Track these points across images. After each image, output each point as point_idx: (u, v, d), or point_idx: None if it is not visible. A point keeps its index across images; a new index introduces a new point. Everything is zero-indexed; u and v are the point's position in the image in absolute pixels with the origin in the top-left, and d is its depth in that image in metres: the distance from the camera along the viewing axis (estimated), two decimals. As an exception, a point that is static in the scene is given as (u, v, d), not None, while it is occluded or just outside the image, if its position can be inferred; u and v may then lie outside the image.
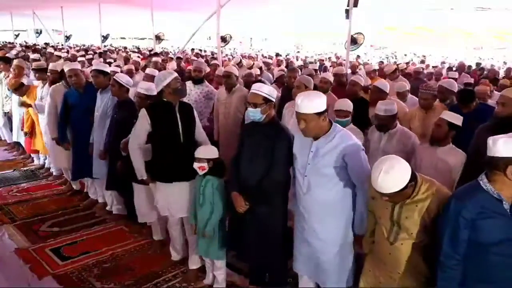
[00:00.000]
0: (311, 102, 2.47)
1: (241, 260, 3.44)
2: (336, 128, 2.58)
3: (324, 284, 2.79)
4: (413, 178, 2.10)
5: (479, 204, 1.92)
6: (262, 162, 2.87)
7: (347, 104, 3.56)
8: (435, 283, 2.16)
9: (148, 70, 6.22)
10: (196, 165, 3.13)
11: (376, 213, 2.38)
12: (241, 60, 11.01)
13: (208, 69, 6.79)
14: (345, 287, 2.75)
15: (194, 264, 3.56)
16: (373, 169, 2.10)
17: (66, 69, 4.71)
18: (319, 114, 2.47)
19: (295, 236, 2.88)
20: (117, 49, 18.53)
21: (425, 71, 8.99)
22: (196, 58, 11.02)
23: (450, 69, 11.03)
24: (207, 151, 3.17)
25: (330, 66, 12.03)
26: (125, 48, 21.18)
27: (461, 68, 9.38)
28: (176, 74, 3.35)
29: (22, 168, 6.32)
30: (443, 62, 17.21)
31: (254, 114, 2.85)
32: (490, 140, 1.91)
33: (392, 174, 2.01)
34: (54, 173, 5.92)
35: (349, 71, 7.94)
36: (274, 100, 2.91)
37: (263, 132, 2.89)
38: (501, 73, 10.55)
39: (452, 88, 4.43)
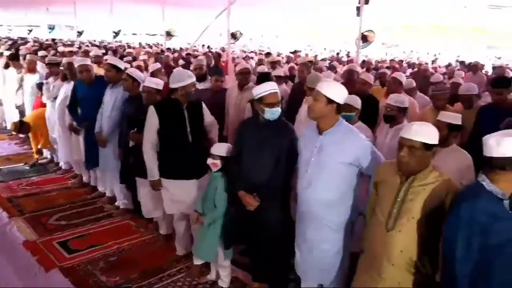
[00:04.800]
0: (330, 86, 2.54)
1: (246, 255, 3.44)
2: (342, 124, 2.58)
3: (321, 282, 2.78)
4: (435, 148, 2.17)
5: (488, 206, 1.88)
6: (269, 159, 2.87)
7: (354, 100, 3.52)
8: (430, 280, 2.16)
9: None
10: (209, 161, 3.15)
11: (378, 199, 2.33)
12: (246, 55, 11.03)
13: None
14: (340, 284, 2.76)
15: (199, 259, 3.56)
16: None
17: (76, 65, 4.78)
18: (329, 100, 2.48)
19: (296, 233, 2.86)
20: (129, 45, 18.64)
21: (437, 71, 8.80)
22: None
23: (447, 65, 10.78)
24: (223, 148, 3.17)
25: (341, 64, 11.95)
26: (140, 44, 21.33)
27: (449, 71, 9.00)
28: (194, 79, 3.38)
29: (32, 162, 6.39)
30: (457, 61, 16.99)
31: (275, 113, 2.86)
32: (493, 140, 1.87)
33: (426, 126, 2.18)
34: (63, 167, 5.99)
35: (358, 68, 7.86)
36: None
37: (268, 129, 2.89)
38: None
39: (472, 91, 4.28)
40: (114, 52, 12.20)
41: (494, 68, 10.40)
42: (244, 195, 2.91)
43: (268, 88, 2.85)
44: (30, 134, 6.22)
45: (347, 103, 3.35)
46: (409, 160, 2.13)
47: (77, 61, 4.94)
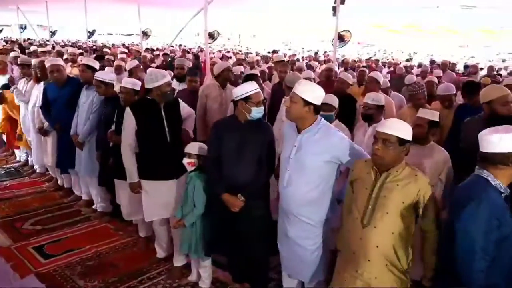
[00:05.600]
0: (306, 87, 2.54)
1: (225, 256, 3.40)
2: (320, 123, 2.59)
3: (303, 279, 2.81)
4: (409, 146, 2.21)
5: (498, 200, 1.95)
6: (252, 158, 2.86)
7: (332, 99, 3.56)
8: (404, 275, 2.22)
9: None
10: (185, 160, 3.11)
11: (353, 197, 2.36)
12: (223, 55, 11.07)
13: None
14: (322, 280, 2.79)
15: (179, 261, 3.54)
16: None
17: (47, 65, 4.67)
18: (306, 102, 2.50)
19: (278, 231, 2.88)
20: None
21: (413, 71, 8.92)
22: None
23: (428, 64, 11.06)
24: (198, 147, 3.13)
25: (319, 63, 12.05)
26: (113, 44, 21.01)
27: (422, 70, 9.09)
28: (169, 78, 3.33)
29: (5, 166, 6.21)
30: (431, 61, 17.33)
31: (261, 112, 2.86)
32: (497, 137, 1.94)
33: (401, 122, 2.24)
34: (38, 170, 5.85)
35: (336, 68, 7.96)
36: None
37: (249, 128, 2.87)
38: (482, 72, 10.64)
39: (450, 91, 4.38)
40: (94, 51, 11.99)
41: (466, 67, 10.71)
42: (228, 197, 2.86)
43: (254, 87, 2.85)
44: (2, 124, 6.04)
45: (326, 102, 3.40)
46: (383, 154, 2.18)
47: (48, 61, 4.82)
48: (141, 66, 6.12)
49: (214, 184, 2.97)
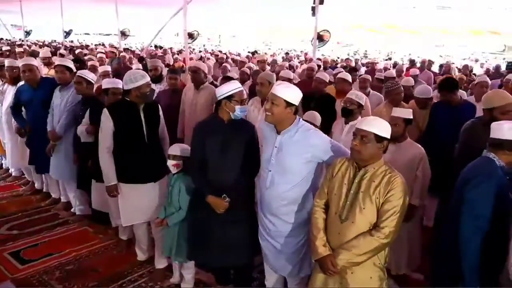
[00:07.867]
0: (287, 89, 2.53)
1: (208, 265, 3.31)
2: (299, 123, 2.60)
3: (286, 275, 2.81)
4: (386, 143, 2.26)
5: (503, 178, 2.23)
6: (236, 159, 2.82)
7: (315, 118, 3.56)
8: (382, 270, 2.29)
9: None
10: (170, 162, 3.08)
11: (331, 193, 2.37)
12: (201, 56, 11.05)
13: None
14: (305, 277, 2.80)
15: (160, 263, 3.50)
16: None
17: (20, 64, 4.55)
18: (288, 103, 2.49)
19: (259, 231, 2.87)
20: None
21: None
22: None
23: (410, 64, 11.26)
24: (182, 148, 3.10)
25: (299, 62, 12.11)
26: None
27: (398, 70, 9.11)
28: (148, 79, 3.27)
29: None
30: (411, 60, 17.59)
31: (244, 111, 2.85)
32: (508, 125, 2.28)
33: (380, 120, 2.29)
34: (13, 174, 5.71)
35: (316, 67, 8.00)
36: None
37: (231, 129, 2.83)
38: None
39: (427, 95, 4.46)
40: (73, 52, 11.75)
41: (441, 66, 10.93)
42: (213, 199, 2.81)
43: (237, 85, 2.84)
44: None
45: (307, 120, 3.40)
46: (360, 149, 2.22)
47: (21, 60, 4.70)
48: (110, 74, 5.92)
49: (199, 186, 2.91)
